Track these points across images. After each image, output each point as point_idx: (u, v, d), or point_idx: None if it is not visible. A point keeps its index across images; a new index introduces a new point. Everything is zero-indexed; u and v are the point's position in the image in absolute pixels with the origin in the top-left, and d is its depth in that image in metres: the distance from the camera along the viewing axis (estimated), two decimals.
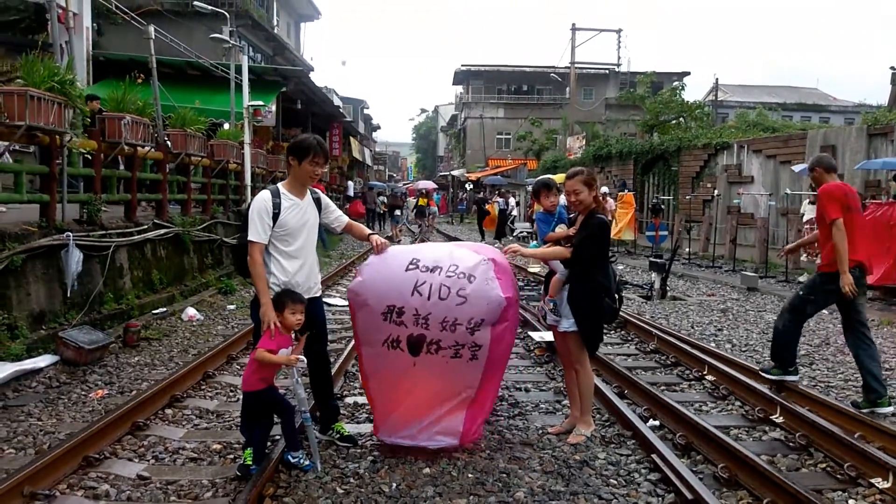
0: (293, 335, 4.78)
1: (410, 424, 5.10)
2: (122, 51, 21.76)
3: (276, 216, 4.73)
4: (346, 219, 5.35)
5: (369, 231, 5.44)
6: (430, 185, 43.69)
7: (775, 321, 6.93)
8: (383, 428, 5.21)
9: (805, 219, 17.11)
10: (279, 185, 4.94)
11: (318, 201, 5.09)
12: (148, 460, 5.04)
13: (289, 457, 4.80)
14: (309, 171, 4.87)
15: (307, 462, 4.81)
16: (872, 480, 4.76)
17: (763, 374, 6.87)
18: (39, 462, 4.48)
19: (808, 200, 16.92)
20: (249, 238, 4.68)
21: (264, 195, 4.78)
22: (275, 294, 4.70)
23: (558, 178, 29.23)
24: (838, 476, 4.92)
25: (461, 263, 4.99)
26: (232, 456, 5.10)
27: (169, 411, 6.09)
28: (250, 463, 4.62)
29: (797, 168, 18.12)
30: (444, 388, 5.10)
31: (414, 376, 5.04)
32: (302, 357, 4.77)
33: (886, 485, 4.68)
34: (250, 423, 4.74)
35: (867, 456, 4.97)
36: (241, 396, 5.24)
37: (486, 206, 31.05)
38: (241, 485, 4.51)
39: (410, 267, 5.01)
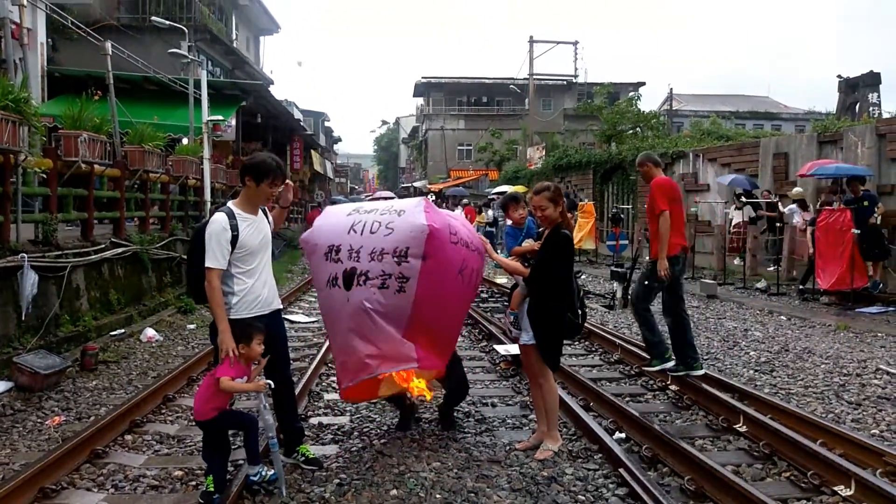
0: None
1: (364, 363, 5.22)
2: (78, 66, 21.41)
3: (234, 238, 4.61)
4: (274, 213, 5.24)
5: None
6: (388, 195, 43.51)
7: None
8: (344, 380, 5.37)
9: (734, 223, 17.71)
10: (230, 204, 4.82)
11: (264, 211, 5.01)
12: (108, 489, 4.92)
13: (252, 478, 4.71)
14: (266, 193, 4.80)
15: (271, 472, 4.75)
16: (836, 488, 4.82)
17: (645, 370, 7.76)
18: None
19: (734, 206, 17.60)
20: (207, 265, 4.54)
21: (220, 219, 4.63)
22: (239, 323, 4.60)
23: (521, 188, 29.38)
24: (802, 485, 4.98)
25: (397, 205, 5.44)
26: (194, 483, 5.00)
27: (129, 437, 5.96)
28: (212, 490, 4.53)
29: (722, 179, 19.33)
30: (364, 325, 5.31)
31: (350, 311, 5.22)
32: (269, 382, 4.70)
33: (849, 492, 4.74)
34: (210, 450, 4.66)
35: (830, 464, 5.04)
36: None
37: None
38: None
39: (351, 212, 5.50)
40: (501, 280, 16.29)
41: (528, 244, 5.76)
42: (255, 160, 4.88)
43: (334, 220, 5.53)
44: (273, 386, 4.80)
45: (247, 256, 4.72)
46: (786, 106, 61.71)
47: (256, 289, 4.78)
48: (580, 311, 5.55)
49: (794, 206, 16.34)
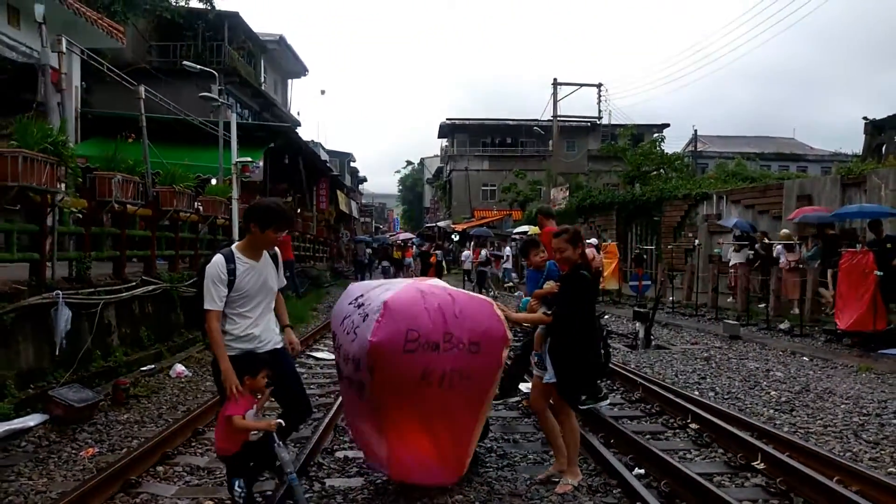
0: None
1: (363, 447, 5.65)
2: (110, 107, 22.05)
3: (231, 282, 4.61)
4: (282, 284, 5.14)
5: (287, 323, 5.35)
6: (409, 236, 43.80)
7: None
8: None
9: (731, 263, 18.58)
10: (233, 246, 4.80)
11: (274, 257, 4.96)
12: None
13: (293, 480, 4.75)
14: (271, 240, 4.77)
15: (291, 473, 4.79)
16: None
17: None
18: None
19: (731, 248, 18.03)
20: (205, 307, 4.57)
21: (218, 261, 4.64)
22: (243, 356, 4.66)
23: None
24: None
25: (373, 302, 5.15)
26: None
27: (160, 468, 6.12)
28: None
29: (726, 222, 20.39)
30: (355, 415, 5.68)
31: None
32: (280, 421, 4.77)
33: None
34: (235, 474, 4.78)
35: (845, 500, 5.10)
36: None
37: (430, 259, 31.29)
38: None
39: (352, 301, 5.45)
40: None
41: (550, 286, 5.92)
42: (260, 205, 4.82)
43: (344, 301, 5.62)
44: (284, 424, 4.81)
45: (242, 300, 4.71)
46: (811, 148, 61.59)
47: (248, 328, 4.77)
48: (603, 352, 5.66)
49: (780, 247, 16.77)
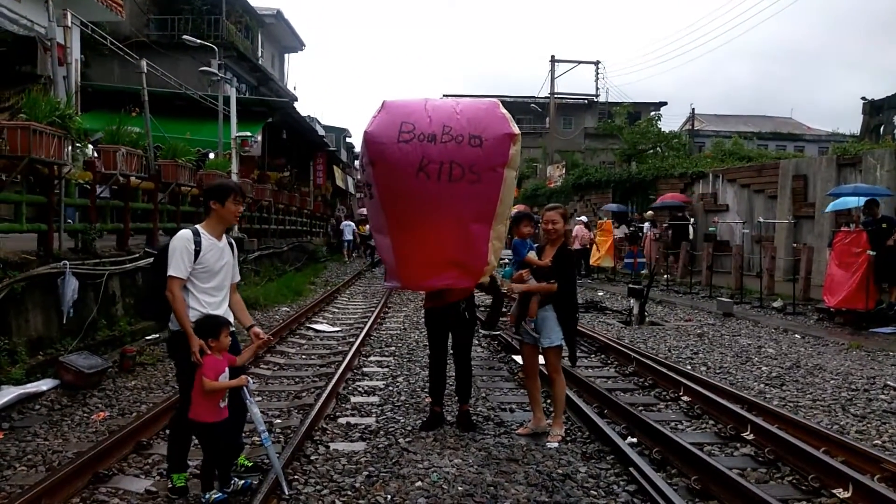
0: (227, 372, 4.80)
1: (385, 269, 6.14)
2: (108, 81, 22.09)
3: (196, 253, 4.82)
4: (237, 277, 5.29)
5: (252, 322, 5.32)
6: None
7: None
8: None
9: (616, 237, 22.60)
10: (198, 226, 5.00)
11: (232, 245, 5.17)
12: (154, 476, 5.31)
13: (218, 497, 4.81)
14: (233, 211, 4.99)
15: (241, 482, 4.94)
16: (834, 491, 5.10)
17: None
18: (53, 478, 4.75)
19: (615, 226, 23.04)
20: (170, 273, 4.73)
21: (185, 234, 4.87)
22: (204, 320, 4.78)
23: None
24: (803, 487, 5.27)
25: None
26: (232, 470, 5.34)
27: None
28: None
29: (608, 207, 26.59)
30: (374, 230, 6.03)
31: None
32: (249, 378, 4.86)
33: (847, 494, 5.02)
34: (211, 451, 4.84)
35: (830, 469, 5.32)
36: None
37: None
38: (242, 498, 4.80)
39: None
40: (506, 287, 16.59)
41: (532, 254, 6.31)
42: (213, 184, 5.28)
43: None
44: (251, 382, 4.94)
45: (204, 275, 4.90)
46: (809, 127, 61.68)
47: (208, 306, 4.90)
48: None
49: (647, 224, 22.68)
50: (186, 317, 4.73)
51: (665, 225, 23.78)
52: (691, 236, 22.38)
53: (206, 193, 5.12)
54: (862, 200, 14.64)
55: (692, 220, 23.21)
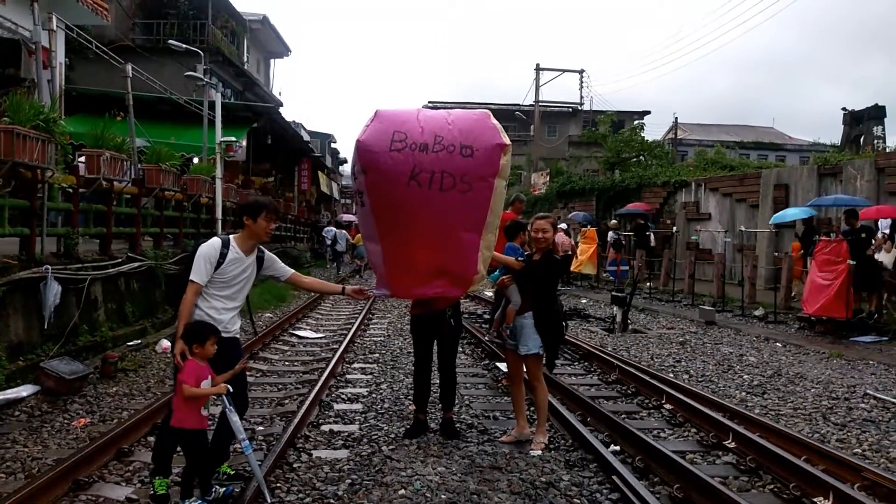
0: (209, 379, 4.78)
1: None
2: (93, 84, 21.93)
3: (219, 263, 4.95)
4: (290, 271, 5.53)
5: (338, 288, 6.01)
6: (352, 217, 43.46)
7: None
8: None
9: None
10: (232, 237, 5.13)
11: (260, 259, 5.26)
12: (135, 484, 5.27)
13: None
14: (265, 227, 5.08)
15: (223, 489, 4.95)
16: (815, 499, 5.15)
17: None
18: (33, 485, 4.70)
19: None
20: (191, 277, 4.88)
21: (215, 243, 5.02)
22: (192, 325, 4.81)
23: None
24: (784, 496, 5.32)
25: None
26: (215, 478, 5.32)
27: (151, 438, 6.27)
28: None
29: (574, 216, 27.14)
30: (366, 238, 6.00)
31: None
32: (228, 387, 4.82)
33: (828, 503, 5.07)
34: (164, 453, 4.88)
35: (811, 477, 5.36)
36: (215, 424, 5.23)
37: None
38: None
39: None
40: (490, 293, 16.58)
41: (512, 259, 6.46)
42: (248, 201, 5.37)
43: None
44: (231, 390, 4.86)
45: (221, 284, 5.01)
46: (790, 137, 62.13)
47: (218, 312, 4.97)
48: (564, 323, 6.39)
49: (611, 232, 23.31)
50: (185, 319, 4.87)
51: (625, 232, 24.42)
52: (652, 243, 23.24)
53: (240, 209, 5.43)
54: (801, 213, 15.38)
55: (651, 226, 24.02)
